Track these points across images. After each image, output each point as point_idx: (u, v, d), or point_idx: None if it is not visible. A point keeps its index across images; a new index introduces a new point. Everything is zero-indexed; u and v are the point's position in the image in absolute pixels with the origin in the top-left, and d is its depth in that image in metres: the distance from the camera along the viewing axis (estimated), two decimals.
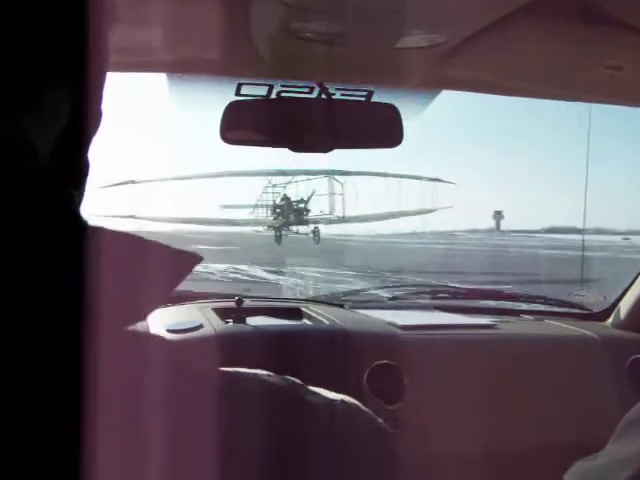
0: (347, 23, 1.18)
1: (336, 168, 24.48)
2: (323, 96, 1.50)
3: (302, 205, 24.37)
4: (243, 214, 26.78)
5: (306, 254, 20.71)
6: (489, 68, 1.40)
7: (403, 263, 19.55)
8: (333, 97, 1.51)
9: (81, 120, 0.46)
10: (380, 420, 0.59)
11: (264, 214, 25.47)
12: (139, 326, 0.52)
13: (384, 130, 1.51)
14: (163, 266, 0.48)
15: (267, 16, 1.18)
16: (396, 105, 1.50)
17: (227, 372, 0.54)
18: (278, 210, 24.76)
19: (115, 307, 0.44)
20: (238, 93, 1.48)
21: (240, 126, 1.51)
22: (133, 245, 0.46)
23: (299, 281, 14.10)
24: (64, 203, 0.44)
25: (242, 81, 1.47)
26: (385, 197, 27.80)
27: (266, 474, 0.48)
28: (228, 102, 1.47)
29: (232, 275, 15.13)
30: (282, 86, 1.50)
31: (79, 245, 0.42)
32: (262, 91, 1.50)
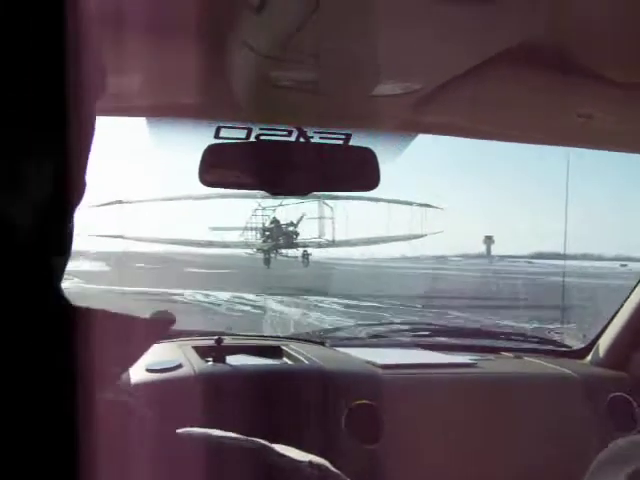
0: (323, 72, 1.20)
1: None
2: (301, 139, 1.51)
3: (291, 228, 24.33)
4: (232, 236, 26.70)
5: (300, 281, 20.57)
6: (464, 114, 1.42)
7: (394, 289, 19.49)
8: (311, 140, 1.52)
9: (65, 191, 0.46)
10: None
11: (253, 237, 25.37)
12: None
13: (362, 173, 1.52)
14: (137, 334, 0.50)
15: (244, 65, 1.20)
16: (373, 148, 1.52)
17: (199, 435, 0.55)
18: (267, 233, 24.69)
19: (91, 373, 0.45)
20: (217, 136, 1.49)
21: (219, 168, 1.51)
22: (106, 319, 0.47)
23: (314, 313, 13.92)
24: (43, 281, 0.45)
25: (221, 124, 1.48)
26: (375, 222, 27.85)
27: None
28: (207, 144, 1.48)
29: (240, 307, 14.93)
30: (261, 129, 1.51)
31: (59, 322, 0.43)
32: (241, 134, 1.51)
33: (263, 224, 24.96)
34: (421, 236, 27.61)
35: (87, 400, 0.46)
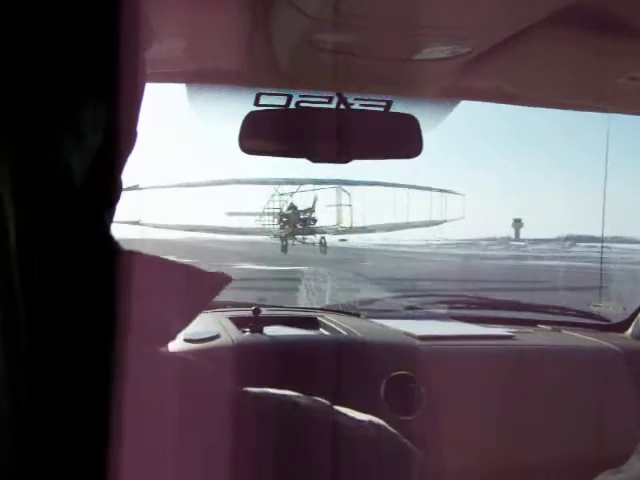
0: (367, 34, 1.17)
1: (344, 178, 24.39)
2: (342, 106, 1.49)
3: (309, 214, 24.20)
4: (249, 222, 26.64)
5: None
6: (509, 79, 1.39)
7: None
8: (352, 107, 1.50)
9: (116, 141, 0.46)
10: (407, 442, 0.59)
11: (270, 222, 25.27)
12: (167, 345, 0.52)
13: (403, 140, 1.50)
14: (192, 287, 0.48)
15: (287, 27, 1.18)
16: (415, 115, 1.49)
17: (257, 394, 0.54)
18: (285, 219, 24.59)
19: (146, 327, 0.44)
20: (257, 103, 1.48)
21: (259, 136, 1.50)
22: (163, 267, 0.46)
23: None
24: (96, 226, 0.44)
25: (261, 91, 1.46)
26: (393, 208, 27.68)
27: None
28: (247, 112, 1.47)
29: None
30: (301, 96, 1.49)
31: (110, 267, 0.42)
32: (281, 101, 1.49)
33: (280, 210, 24.84)
34: (441, 222, 27.44)
35: (145, 351, 0.45)
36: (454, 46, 1.21)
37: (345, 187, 24.52)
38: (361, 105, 1.51)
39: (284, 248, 23.88)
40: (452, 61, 1.27)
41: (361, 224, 25.50)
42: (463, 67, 1.30)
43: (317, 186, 24.69)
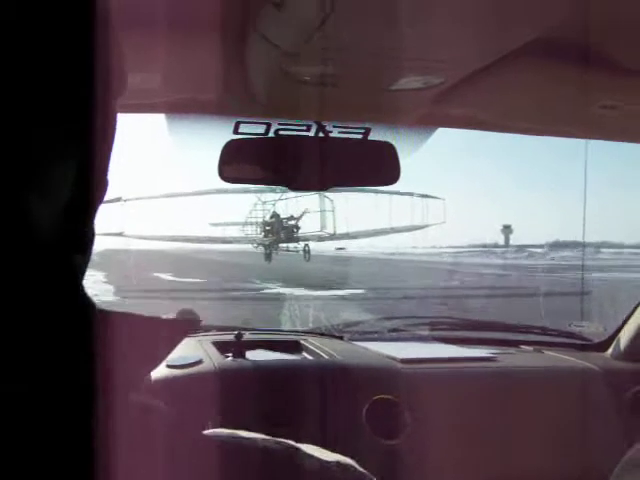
0: (343, 67, 1.19)
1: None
2: (320, 134, 1.51)
3: (292, 222, 24.11)
4: (233, 232, 26.51)
5: None
6: (484, 107, 1.41)
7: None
8: (330, 135, 1.52)
9: (87, 190, 0.46)
10: None
11: (254, 231, 25.15)
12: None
13: (381, 168, 1.51)
14: (162, 335, 0.49)
15: (262, 60, 1.19)
16: (393, 143, 1.51)
17: (221, 438, 0.55)
18: (268, 227, 24.48)
19: (115, 376, 0.45)
20: (236, 131, 1.49)
21: (238, 164, 1.51)
22: (134, 321, 0.47)
23: None
24: (66, 280, 0.45)
25: (240, 120, 1.48)
26: (376, 214, 27.63)
27: None
28: (226, 140, 1.48)
29: None
30: (280, 124, 1.51)
31: (84, 323, 0.43)
32: (260, 129, 1.50)
33: (263, 218, 24.74)
34: (423, 227, 27.42)
35: (111, 402, 0.46)
36: (428, 77, 1.23)
37: (327, 194, 24.45)
38: (340, 133, 1.53)
39: (267, 257, 23.75)
40: (427, 91, 1.29)
41: (345, 230, 25.47)
42: (438, 96, 1.32)
43: (299, 193, 24.59)
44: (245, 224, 25.32)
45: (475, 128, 1.56)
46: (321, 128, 1.51)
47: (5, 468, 0.38)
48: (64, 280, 0.45)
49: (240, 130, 1.49)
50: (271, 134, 1.51)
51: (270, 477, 0.52)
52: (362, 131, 1.51)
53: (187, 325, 0.51)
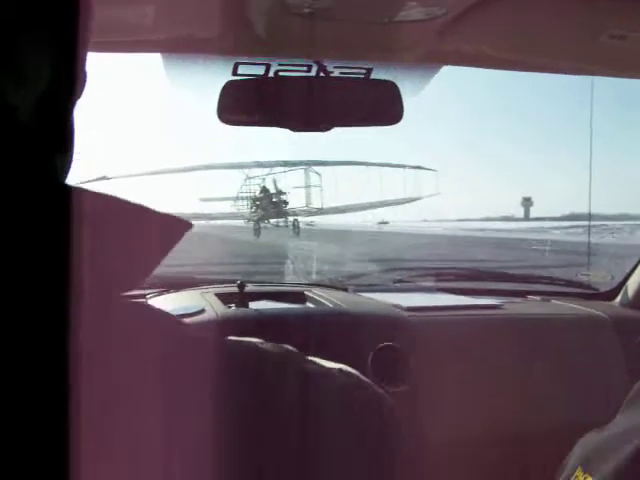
0: None
1: (314, 158, 24.29)
2: (321, 74, 1.47)
3: (280, 197, 24.09)
4: (222, 207, 26.54)
5: None
6: (489, 41, 1.38)
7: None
8: (331, 75, 1.48)
9: (65, 81, 0.44)
10: (379, 390, 0.58)
11: (244, 207, 25.16)
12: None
13: (384, 107, 1.48)
14: (152, 233, 0.47)
15: None
16: (395, 82, 1.47)
17: (223, 342, 0.53)
18: (257, 203, 24.47)
19: (102, 276, 0.42)
20: (235, 73, 1.45)
21: (238, 106, 1.48)
22: (120, 210, 0.45)
23: None
24: (45, 165, 0.43)
25: (239, 60, 1.44)
26: (366, 187, 27.56)
27: (264, 443, 0.47)
28: (225, 81, 1.45)
29: None
30: (280, 65, 1.47)
31: (62, 212, 0.40)
32: (259, 70, 1.47)
33: (253, 194, 24.72)
34: (416, 199, 27.35)
35: (103, 300, 0.44)
36: (430, 8, 1.19)
37: (316, 168, 24.46)
38: (341, 73, 1.49)
39: (256, 232, 23.73)
40: (429, 23, 1.25)
41: (333, 204, 25.48)
42: (441, 30, 1.29)
43: (287, 168, 24.60)
44: (236, 199, 25.35)
45: (479, 65, 1.52)
46: (322, 68, 1.48)
47: None
48: (43, 175, 0.43)
49: (239, 72, 1.46)
50: (271, 75, 1.48)
51: (273, 379, 0.51)
52: (364, 71, 1.48)
53: (183, 224, 0.48)
